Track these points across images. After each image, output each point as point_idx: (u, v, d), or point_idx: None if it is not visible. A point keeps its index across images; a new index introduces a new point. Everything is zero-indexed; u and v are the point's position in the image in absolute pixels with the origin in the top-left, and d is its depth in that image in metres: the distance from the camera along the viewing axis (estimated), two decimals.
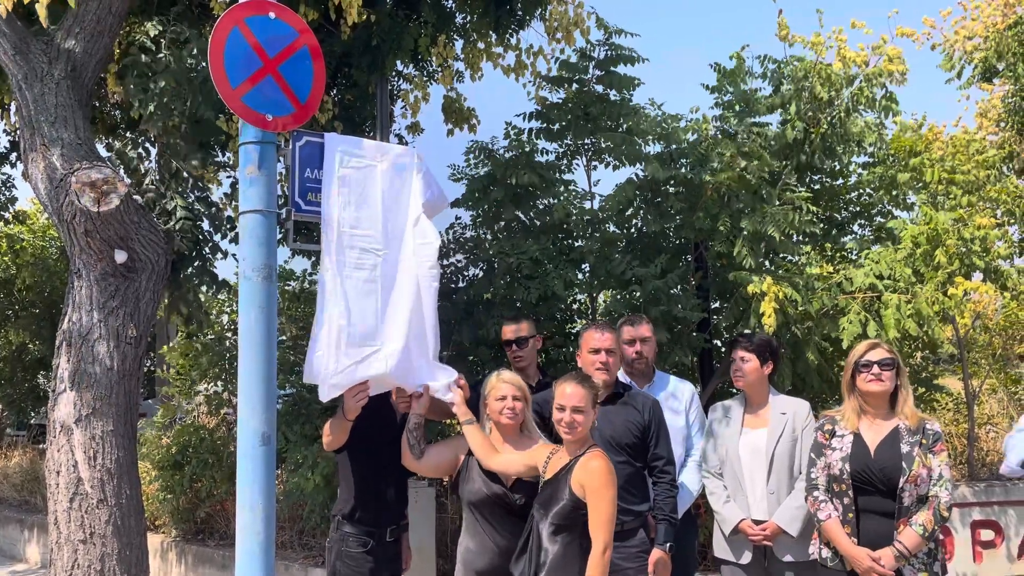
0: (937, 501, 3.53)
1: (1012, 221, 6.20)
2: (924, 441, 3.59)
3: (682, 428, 4.33)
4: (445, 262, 7.52)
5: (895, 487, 3.54)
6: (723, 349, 6.61)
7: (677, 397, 4.39)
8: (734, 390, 5.57)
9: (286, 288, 7.56)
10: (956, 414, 8.06)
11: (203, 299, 6.72)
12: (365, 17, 5.45)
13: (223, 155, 6.40)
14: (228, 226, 5.29)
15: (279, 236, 3.41)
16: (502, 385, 3.72)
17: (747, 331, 5.12)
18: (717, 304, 6.76)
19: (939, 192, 6.07)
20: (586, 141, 6.85)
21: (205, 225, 5.19)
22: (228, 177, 6.59)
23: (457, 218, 7.58)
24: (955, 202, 5.86)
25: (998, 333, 7.26)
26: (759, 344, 4.27)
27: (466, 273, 7.43)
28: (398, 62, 6.10)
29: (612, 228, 6.82)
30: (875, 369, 3.70)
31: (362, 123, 6.79)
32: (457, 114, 7.16)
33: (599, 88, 6.76)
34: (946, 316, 5.36)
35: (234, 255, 5.84)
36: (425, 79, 6.91)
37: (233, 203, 6.35)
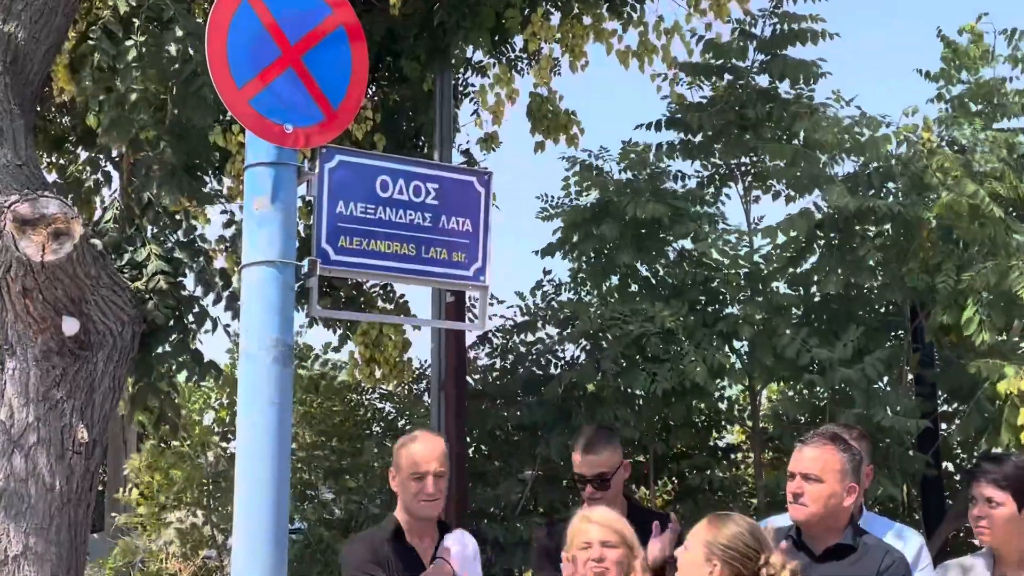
0: None
1: None
2: None
3: None
4: (530, 337, 7.55)
5: None
6: (957, 477, 6.40)
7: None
8: (976, 542, 5.35)
9: (299, 372, 7.70)
10: None
11: (181, 388, 6.88)
12: None
13: (217, 181, 6.61)
14: (222, 283, 5.43)
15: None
16: (588, 528, 3.72)
17: (996, 452, 4.94)
18: (947, 407, 6.57)
19: None
20: (743, 159, 6.84)
21: (189, 282, 5.34)
22: (224, 213, 6.79)
23: (547, 272, 7.64)
24: None
25: None
26: (1015, 477, 4.11)
27: (561, 353, 7.45)
28: (470, 47, 6.21)
29: (782, 288, 6.75)
30: None
31: (414, 135, 6.93)
32: (550, 120, 7.24)
33: (763, 80, 6.76)
34: None
35: (227, 326, 5.98)
36: (509, 70, 6.99)
37: (230, 250, 6.53)
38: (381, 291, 7.96)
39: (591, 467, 4.50)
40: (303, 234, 6.00)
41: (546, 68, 6.94)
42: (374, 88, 6.79)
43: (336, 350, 8.90)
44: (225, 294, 5.74)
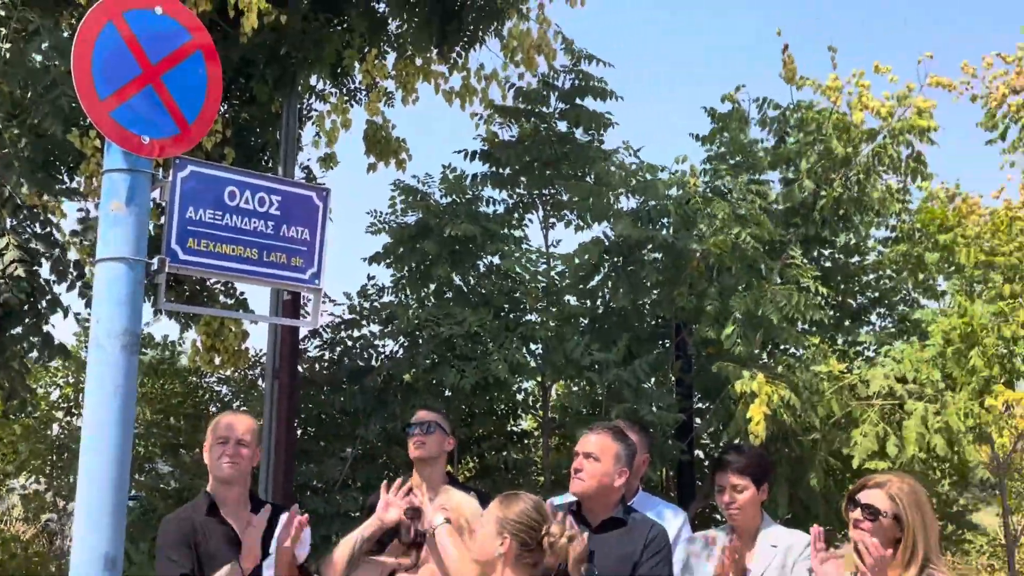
0: None
1: None
2: None
3: None
4: (355, 333, 7.49)
5: None
6: (706, 463, 6.65)
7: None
8: (719, 516, 5.59)
9: (140, 358, 7.41)
10: (992, 559, 8.21)
11: (29, 367, 6.54)
12: (273, 18, 5.51)
13: (72, 180, 6.32)
14: (75, 274, 5.19)
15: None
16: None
17: (738, 444, 5.16)
18: (700, 405, 6.83)
19: (975, 278, 6.31)
20: (544, 191, 6.97)
21: (43, 271, 5.09)
22: (80, 211, 6.49)
23: (371, 277, 7.62)
24: (995, 291, 6.09)
25: None
26: (753, 465, 4.29)
27: (381, 348, 7.41)
28: (313, 76, 6.14)
29: (572, 300, 6.90)
30: (856, 513, 3.73)
31: (260, 150, 6.77)
32: (382, 146, 7.22)
33: (562, 125, 6.91)
34: (982, 433, 5.51)
35: (78, 313, 5.72)
36: (346, 100, 6.97)
37: (83, 243, 6.26)
38: (223, 287, 7.75)
39: (421, 418, 4.54)
40: (153, 233, 5.80)
41: (376, 101, 6.94)
42: (227, 106, 6.62)
43: (177, 343, 8.66)
44: (78, 284, 5.51)
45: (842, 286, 6.82)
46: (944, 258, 6.47)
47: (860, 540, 3.69)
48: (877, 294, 6.99)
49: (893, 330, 6.78)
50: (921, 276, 6.65)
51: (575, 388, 7.08)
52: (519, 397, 7.63)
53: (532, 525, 3.39)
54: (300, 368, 6.93)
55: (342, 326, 7.51)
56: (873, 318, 7.06)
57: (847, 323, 6.80)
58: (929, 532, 3.71)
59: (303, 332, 7.10)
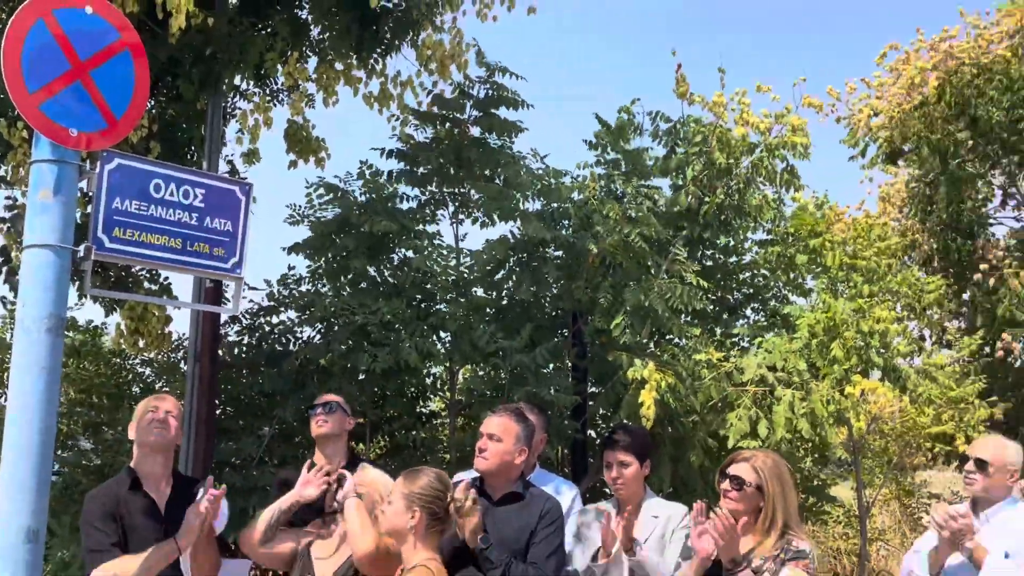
0: None
1: (912, 316, 6.79)
2: (782, 556, 3.77)
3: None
4: (274, 319, 7.42)
5: None
6: (598, 441, 6.78)
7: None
8: (608, 491, 5.73)
9: (64, 341, 7.22)
10: (847, 528, 8.58)
11: None
12: (200, 20, 5.42)
13: None
14: (1, 259, 5.01)
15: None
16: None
17: (624, 424, 5.28)
18: (594, 388, 6.95)
19: (839, 279, 6.58)
20: (455, 190, 7.00)
21: None
22: (7, 198, 6.29)
23: (291, 268, 7.56)
24: (855, 291, 6.37)
25: (894, 439, 7.86)
26: (638, 444, 4.40)
27: (298, 334, 7.36)
28: (238, 77, 6.06)
29: (480, 292, 6.95)
30: (725, 484, 3.89)
31: (185, 145, 6.65)
32: (303, 144, 7.17)
33: (476, 131, 6.96)
34: (841, 418, 5.75)
35: (3, 298, 5.56)
36: (268, 100, 6.90)
37: (10, 230, 6.07)
38: (147, 273, 7.60)
39: (323, 399, 4.56)
40: (80, 222, 5.66)
41: (300, 102, 6.90)
42: (153, 103, 6.50)
43: (100, 328, 8.44)
44: (4, 269, 5.34)
45: (721, 283, 7.02)
46: (812, 260, 6.75)
47: (726, 508, 3.83)
48: (752, 290, 7.23)
49: (765, 323, 7.02)
50: (791, 275, 6.91)
51: (481, 373, 7.14)
52: (428, 381, 7.66)
53: (438, 495, 3.47)
54: (221, 352, 6.84)
55: (261, 312, 7.44)
56: (748, 312, 7.31)
57: (725, 316, 7.02)
58: (788, 501, 3.88)
59: (224, 318, 7.01)
